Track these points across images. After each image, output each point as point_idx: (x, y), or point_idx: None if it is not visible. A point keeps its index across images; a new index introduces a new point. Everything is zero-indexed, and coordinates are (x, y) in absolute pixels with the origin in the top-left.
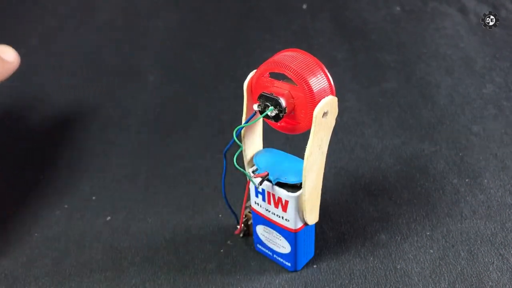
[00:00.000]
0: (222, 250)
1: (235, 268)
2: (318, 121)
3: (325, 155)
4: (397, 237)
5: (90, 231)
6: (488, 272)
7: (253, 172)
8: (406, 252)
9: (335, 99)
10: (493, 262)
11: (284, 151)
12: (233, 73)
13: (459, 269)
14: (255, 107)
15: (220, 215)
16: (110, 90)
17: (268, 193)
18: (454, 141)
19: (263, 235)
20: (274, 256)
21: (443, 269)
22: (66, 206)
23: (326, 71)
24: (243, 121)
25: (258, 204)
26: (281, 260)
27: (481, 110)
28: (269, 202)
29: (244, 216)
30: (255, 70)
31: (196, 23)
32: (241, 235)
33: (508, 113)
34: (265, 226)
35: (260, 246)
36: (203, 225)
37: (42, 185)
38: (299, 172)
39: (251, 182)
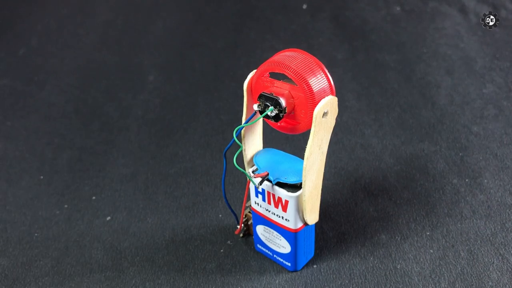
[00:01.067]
0: (222, 250)
1: (235, 268)
2: (318, 121)
3: (325, 155)
4: (397, 237)
5: (90, 231)
6: (488, 272)
7: (253, 172)
8: (406, 252)
9: (335, 99)
10: (493, 262)
11: (284, 151)
12: (233, 73)
13: (459, 269)
14: (255, 107)
15: (220, 215)
16: (110, 90)
17: (268, 193)
18: (454, 141)
19: (263, 235)
20: (274, 256)
21: (443, 269)
22: (66, 206)
23: (326, 71)
24: (243, 121)
25: (258, 204)
26: (281, 260)
27: (481, 110)
28: (269, 202)
29: (244, 216)
30: (255, 70)
31: (196, 23)
32: (241, 235)
33: (508, 113)
34: (265, 226)
35: (260, 246)
36: (203, 225)
37: (42, 185)
38: (299, 172)
39: (251, 182)
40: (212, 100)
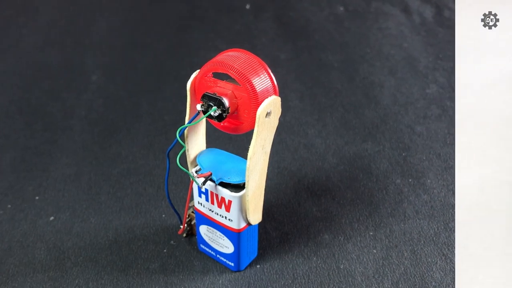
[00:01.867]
0: (165, 250)
1: (178, 268)
2: (261, 121)
3: (268, 155)
4: (340, 237)
5: (33, 231)
6: (431, 272)
7: (196, 172)
8: (349, 252)
9: (278, 99)
10: (436, 262)
11: (227, 151)
12: (177, 73)
13: (402, 269)
14: (198, 107)
15: (163, 215)
16: (54, 89)
17: (212, 193)
18: (397, 141)
19: (206, 235)
20: (218, 256)
21: (386, 269)
22: (9, 206)
23: (269, 71)
24: (186, 121)
25: (201, 204)
26: (224, 260)
27: (424, 110)
28: (212, 202)
29: (187, 216)
30: (198, 70)
31: (139, 23)
32: (184, 235)
33: (451, 113)
34: (208, 226)
35: (203, 246)
36: (146, 225)
37: None
38: (242, 172)
39: (194, 182)
40: (156, 100)
